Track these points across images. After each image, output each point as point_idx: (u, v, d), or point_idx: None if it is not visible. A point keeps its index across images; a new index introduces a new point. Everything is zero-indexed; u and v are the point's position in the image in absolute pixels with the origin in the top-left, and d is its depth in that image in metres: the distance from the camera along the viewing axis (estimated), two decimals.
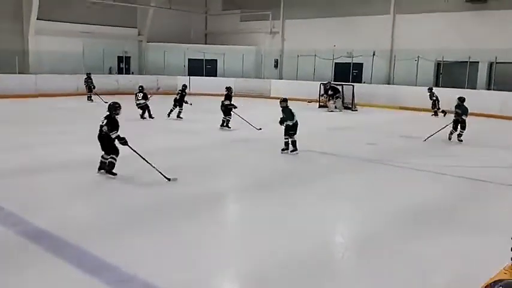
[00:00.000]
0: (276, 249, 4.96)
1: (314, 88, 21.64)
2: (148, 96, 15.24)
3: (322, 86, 21.18)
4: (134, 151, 7.52)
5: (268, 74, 27.14)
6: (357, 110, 20.29)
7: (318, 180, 8.22)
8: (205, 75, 26.60)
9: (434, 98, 18.36)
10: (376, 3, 23.02)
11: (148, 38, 27.41)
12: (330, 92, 20.35)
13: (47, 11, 22.40)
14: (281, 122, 10.09)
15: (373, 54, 22.84)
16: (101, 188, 7.33)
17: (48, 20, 22.70)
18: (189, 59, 27.25)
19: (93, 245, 4.81)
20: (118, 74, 26.02)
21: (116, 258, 4.53)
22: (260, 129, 13.11)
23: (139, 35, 27.42)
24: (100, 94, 19.21)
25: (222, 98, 13.52)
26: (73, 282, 4.12)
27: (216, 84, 22.80)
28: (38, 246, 4.80)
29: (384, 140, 12.46)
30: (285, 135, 10.12)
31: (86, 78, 20.42)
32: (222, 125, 13.53)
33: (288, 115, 9.98)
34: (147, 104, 15.07)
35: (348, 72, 23.64)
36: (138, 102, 15.11)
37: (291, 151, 10.08)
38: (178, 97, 15.51)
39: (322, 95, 21.02)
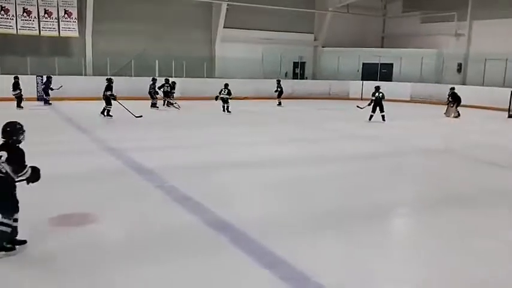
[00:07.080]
0: None
1: (503, 96, 19.31)
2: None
3: None
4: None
5: (450, 79, 25.01)
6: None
7: None
8: (380, 80, 25.66)
9: None
10: None
11: (324, 43, 27.67)
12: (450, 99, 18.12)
13: (233, 20, 24.14)
14: None
15: None
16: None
17: (233, 28, 24.44)
18: (363, 63, 26.73)
19: (273, 243, 4.86)
20: (293, 79, 26.74)
21: (295, 256, 4.54)
22: (140, 116, 14.18)
23: (315, 40, 27.87)
24: None
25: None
26: (251, 274, 4.24)
27: (392, 88, 21.80)
28: (222, 236, 5.04)
29: None
30: None
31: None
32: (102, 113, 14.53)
33: None
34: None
35: None
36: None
37: None
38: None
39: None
